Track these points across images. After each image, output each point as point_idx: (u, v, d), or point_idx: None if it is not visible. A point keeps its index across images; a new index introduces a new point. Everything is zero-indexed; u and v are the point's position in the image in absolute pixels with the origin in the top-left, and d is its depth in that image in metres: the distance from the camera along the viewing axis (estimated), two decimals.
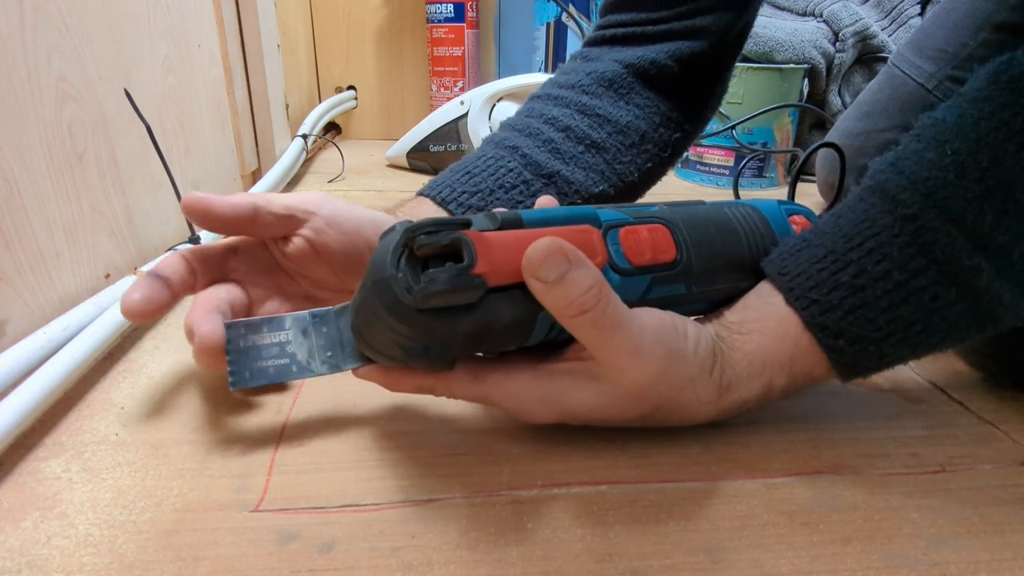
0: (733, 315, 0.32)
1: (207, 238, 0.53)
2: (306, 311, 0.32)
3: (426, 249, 0.25)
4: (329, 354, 0.31)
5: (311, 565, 0.26)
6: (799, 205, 0.37)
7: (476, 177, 0.44)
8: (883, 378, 0.40)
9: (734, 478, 0.31)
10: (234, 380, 0.30)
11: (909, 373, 0.42)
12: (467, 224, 0.26)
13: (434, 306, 0.25)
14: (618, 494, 0.30)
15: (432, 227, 0.25)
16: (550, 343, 0.30)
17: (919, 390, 0.40)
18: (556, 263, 0.25)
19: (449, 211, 0.43)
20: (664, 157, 0.49)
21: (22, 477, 0.30)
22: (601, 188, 0.46)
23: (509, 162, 0.44)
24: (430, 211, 0.43)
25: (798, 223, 0.36)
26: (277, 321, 0.31)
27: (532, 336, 0.28)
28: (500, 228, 0.27)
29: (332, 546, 0.27)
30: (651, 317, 0.29)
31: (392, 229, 0.28)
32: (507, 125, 0.48)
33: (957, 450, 0.34)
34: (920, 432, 0.36)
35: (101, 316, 0.39)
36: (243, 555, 0.26)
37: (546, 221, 0.28)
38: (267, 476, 0.31)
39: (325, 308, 0.32)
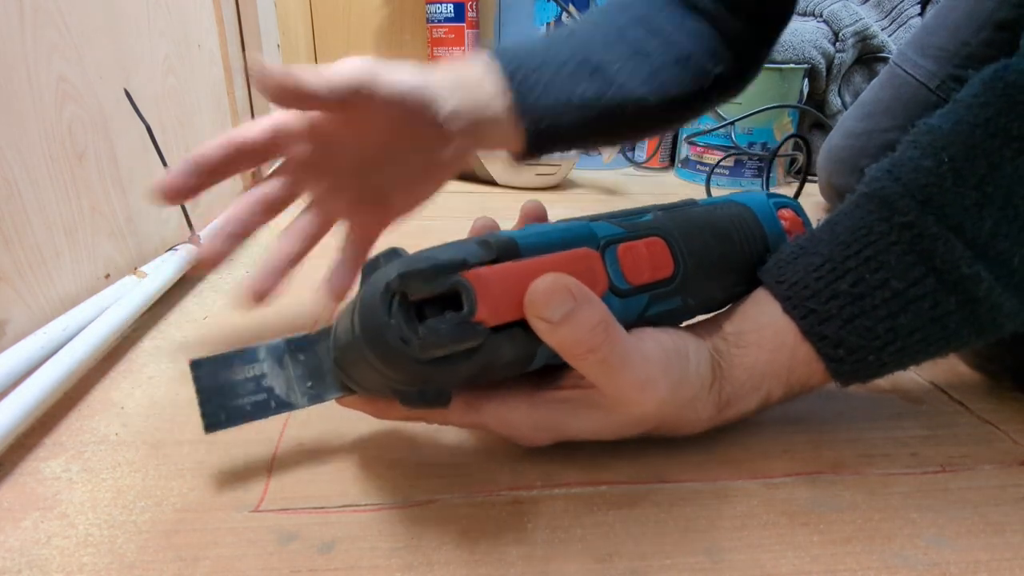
0: (730, 326, 0.32)
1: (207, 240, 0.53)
2: (280, 338, 0.30)
3: (422, 295, 0.24)
4: (309, 384, 0.30)
5: (311, 565, 0.26)
6: (787, 198, 0.37)
7: (538, 57, 0.43)
8: (883, 379, 0.40)
9: (734, 478, 0.31)
10: (208, 423, 0.28)
11: (910, 374, 0.42)
12: (463, 264, 0.24)
13: (433, 356, 0.23)
14: (618, 494, 0.30)
15: (428, 272, 0.23)
16: (548, 366, 0.29)
17: (919, 391, 0.40)
18: (561, 302, 0.24)
19: (507, 79, 0.41)
20: (705, 89, 0.49)
21: (22, 477, 0.30)
22: (642, 92, 0.45)
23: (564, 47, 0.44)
24: (479, 75, 0.41)
25: (787, 218, 0.36)
26: (249, 353, 0.30)
27: (532, 366, 0.28)
28: (496, 258, 0.25)
29: (332, 546, 0.27)
30: (655, 345, 0.28)
31: (376, 263, 0.26)
32: (583, 18, 0.50)
33: (957, 450, 0.34)
34: (920, 432, 0.36)
35: (101, 316, 0.39)
36: (243, 555, 0.26)
37: (543, 246, 0.27)
38: (267, 476, 0.31)
39: (301, 334, 0.30)
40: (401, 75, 0.37)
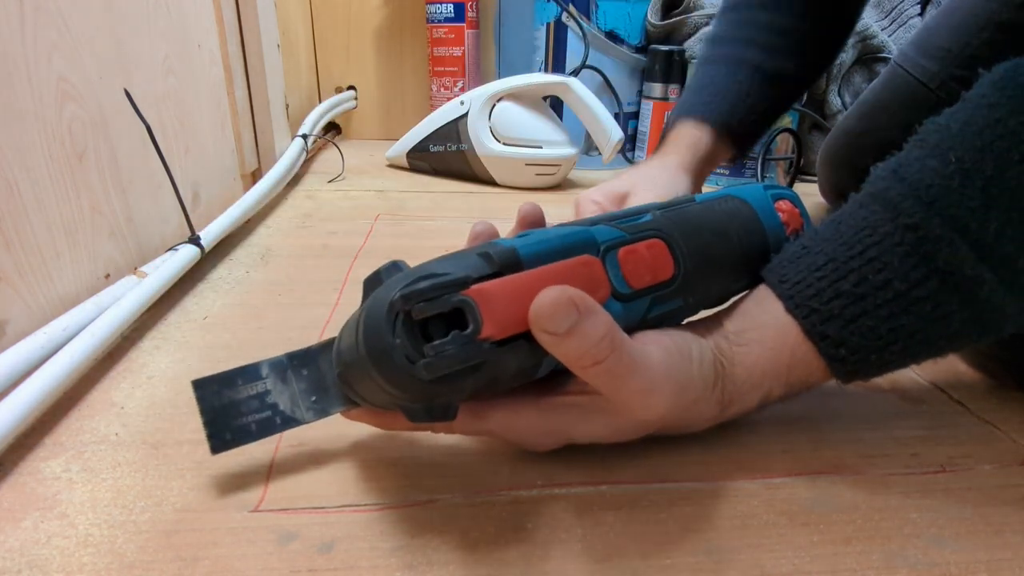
0: (731, 324, 0.32)
1: (207, 240, 0.53)
2: (282, 354, 0.30)
3: (426, 314, 0.23)
4: (314, 399, 0.29)
5: (311, 565, 0.26)
6: (784, 189, 0.37)
7: (719, 97, 0.55)
8: (883, 378, 0.40)
9: (734, 478, 0.31)
10: (214, 444, 0.28)
11: (909, 373, 0.42)
12: (466, 282, 0.24)
13: (439, 376, 0.23)
14: (618, 494, 0.30)
15: (431, 292, 0.23)
16: (552, 372, 0.29)
17: (919, 390, 0.40)
18: (565, 315, 0.24)
19: (713, 128, 0.54)
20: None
21: (22, 477, 0.30)
22: (802, 74, 0.58)
23: (739, 75, 0.56)
24: (695, 133, 0.55)
25: (784, 209, 0.35)
26: (252, 370, 0.29)
27: (538, 374, 0.28)
28: (498, 271, 0.25)
29: (332, 546, 0.27)
30: (659, 350, 0.28)
31: (378, 279, 0.26)
32: (729, 39, 0.58)
33: (957, 450, 0.34)
34: (920, 432, 0.36)
35: (101, 316, 0.39)
36: (243, 555, 0.26)
37: (544, 255, 0.27)
38: (267, 476, 0.31)
39: (303, 348, 0.30)
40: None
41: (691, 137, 0.54)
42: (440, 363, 0.23)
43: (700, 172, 0.55)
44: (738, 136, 0.56)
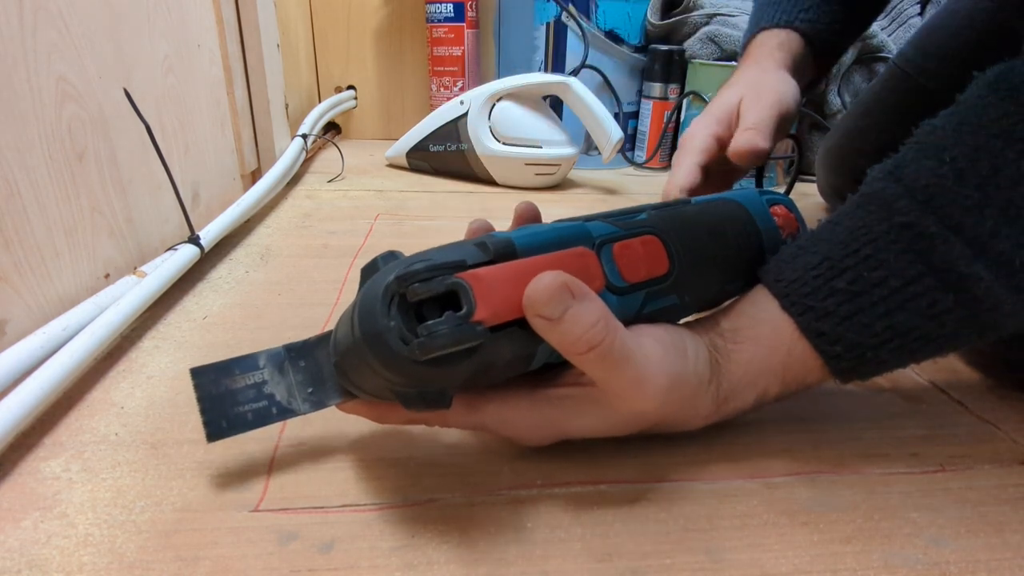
0: (727, 323, 0.32)
1: (207, 240, 0.53)
2: (280, 346, 0.30)
3: (420, 296, 0.23)
4: (310, 390, 0.30)
5: (311, 565, 0.26)
6: (779, 194, 0.37)
7: (798, 4, 0.51)
8: (883, 378, 0.40)
9: (734, 478, 0.31)
10: (210, 431, 0.28)
11: (909, 373, 0.42)
12: (461, 265, 0.24)
13: (433, 357, 0.23)
14: (618, 494, 0.30)
15: (426, 273, 0.23)
16: (547, 365, 0.29)
17: (919, 390, 0.40)
18: (560, 300, 0.24)
19: (799, 33, 0.51)
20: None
21: (22, 477, 0.30)
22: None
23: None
24: (782, 35, 0.51)
25: (779, 214, 0.36)
26: (249, 360, 0.30)
27: (532, 365, 0.28)
28: (493, 259, 0.25)
29: (332, 546, 0.27)
30: (653, 342, 0.28)
31: (375, 266, 0.26)
32: None
33: (957, 450, 0.34)
34: (920, 432, 0.36)
35: (101, 316, 0.39)
36: (243, 555, 0.26)
37: (540, 246, 0.27)
38: (267, 476, 0.31)
39: (300, 340, 0.30)
40: None
41: (779, 39, 0.50)
42: (434, 343, 0.23)
43: (799, 77, 0.50)
44: (824, 44, 0.51)
